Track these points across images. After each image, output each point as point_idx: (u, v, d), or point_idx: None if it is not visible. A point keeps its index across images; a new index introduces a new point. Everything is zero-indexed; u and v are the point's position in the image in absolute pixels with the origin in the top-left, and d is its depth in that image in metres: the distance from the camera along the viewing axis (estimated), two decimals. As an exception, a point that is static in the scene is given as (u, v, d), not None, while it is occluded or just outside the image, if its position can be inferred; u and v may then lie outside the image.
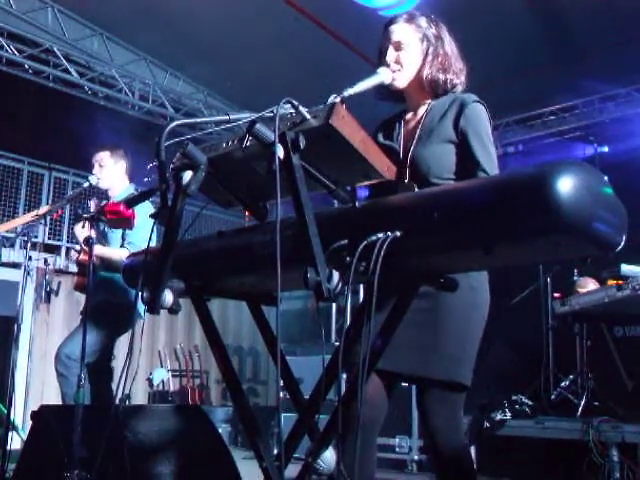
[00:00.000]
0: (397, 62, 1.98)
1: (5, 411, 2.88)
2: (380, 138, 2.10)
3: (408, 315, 1.80)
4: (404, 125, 2.07)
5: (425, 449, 4.89)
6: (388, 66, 1.97)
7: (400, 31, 1.99)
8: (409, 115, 2.08)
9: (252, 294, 1.84)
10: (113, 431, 2.35)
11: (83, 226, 3.47)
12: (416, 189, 1.90)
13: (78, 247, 3.79)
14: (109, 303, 3.61)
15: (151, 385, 7.44)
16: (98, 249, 3.48)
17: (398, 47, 1.98)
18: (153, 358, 7.67)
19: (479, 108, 1.93)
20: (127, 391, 3.50)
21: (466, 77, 2.04)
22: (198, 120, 2.36)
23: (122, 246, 3.67)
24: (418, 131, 1.98)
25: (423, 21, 2.00)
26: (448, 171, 1.90)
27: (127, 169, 3.96)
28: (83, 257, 3.63)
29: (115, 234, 3.71)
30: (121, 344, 3.86)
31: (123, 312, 3.61)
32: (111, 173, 3.86)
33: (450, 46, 2.02)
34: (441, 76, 1.97)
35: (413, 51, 1.98)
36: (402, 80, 1.99)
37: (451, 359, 1.84)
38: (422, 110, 2.03)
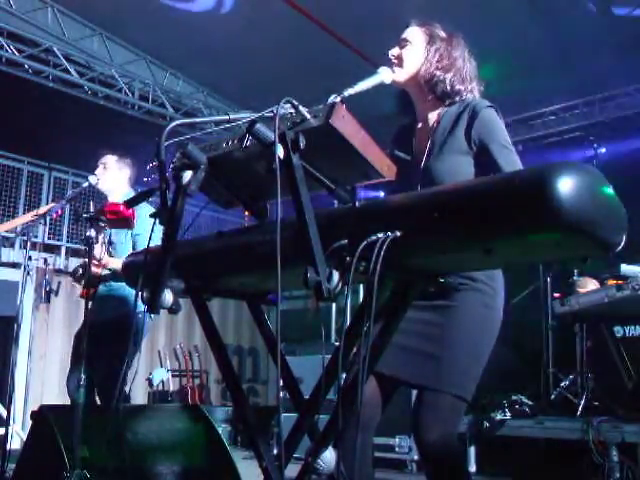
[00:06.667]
0: (397, 57, 2.00)
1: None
2: (395, 150, 2.07)
3: (418, 326, 1.80)
4: (415, 136, 2.05)
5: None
6: (388, 60, 1.99)
7: (409, 31, 2.03)
8: (419, 125, 2.06)
9: (252, 294, 1.84)
10: (113, 431, 2.35)
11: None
12: None
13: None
14: (127, 315, 3.58)
15: (151, 385, 7.44)
16: (112, 262, 3.47)
17: (402, 44, 2.01)
18: (153, 358, 7.67)
19: (491, 114, 1.89)
20: (127, 391, 3.50)
21: (479, 92, 2.01)
22: (198, 120, 2.37)
23: None
24: (429, 143, 1.94)
25: (436, 27, 2.03)
26: None
27: (130, 179, 3.92)
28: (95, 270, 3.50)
29: (125, 244, 3.68)
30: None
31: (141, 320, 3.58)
32: (113, 177, 3.84)
33: (460, 54, 1.99)
34: (439, 73, 1.94)
35: (416, 50, 1.99)
36: (400, 75, 1.99)
37: (456, 373, 1.81)
38: (432, 120, 2.00)
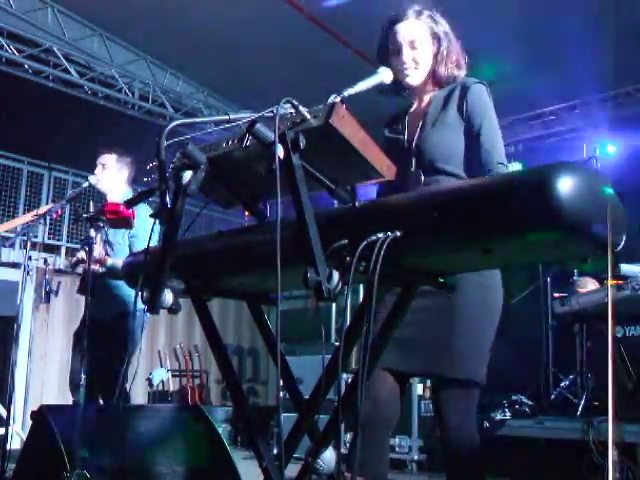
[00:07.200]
0: (414, 61, 2.00)
1: None
2: (386, 132, 2.13)
3: (420, 314, 1.81)
4: (409, 117, 2.10)
5: (425, 449, 4.89)
6: (403, 64, 2.00)
7: (412, 29, 2.01)
8: (414, 107, 2.11)
9: (252, 294, 1.84)
10: (113, 431, 2.35)
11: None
12: (422, 177, 1.92)
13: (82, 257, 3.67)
14: (127, 314, 3.59)
15: (151, 385, 7.44)
16: (111, 261, 3.48)
17: (413, 46, 2.00)
18: (153, 358, 7.67)
19: (481, 89, 1.96)
20: (127, 390, 3.49)
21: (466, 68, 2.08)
22: (198, 120, 2.37)
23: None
24: (422, 120, 2.00)
25: (429, 17, 2.03)
26: (456, 157, 1.92)
27: (129, 178, 3.91)
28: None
29: (122, 245, 3.68)
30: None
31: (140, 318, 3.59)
32: (112, 177, 3.82)
33: (456, 41, 2.05)
34: (456, 73, 2.02)
35: (426, 48, 2.01)
36: (418, 78, 2.02)
37: (465, 357, 1.84)
38: (426, 100, 2.06)
